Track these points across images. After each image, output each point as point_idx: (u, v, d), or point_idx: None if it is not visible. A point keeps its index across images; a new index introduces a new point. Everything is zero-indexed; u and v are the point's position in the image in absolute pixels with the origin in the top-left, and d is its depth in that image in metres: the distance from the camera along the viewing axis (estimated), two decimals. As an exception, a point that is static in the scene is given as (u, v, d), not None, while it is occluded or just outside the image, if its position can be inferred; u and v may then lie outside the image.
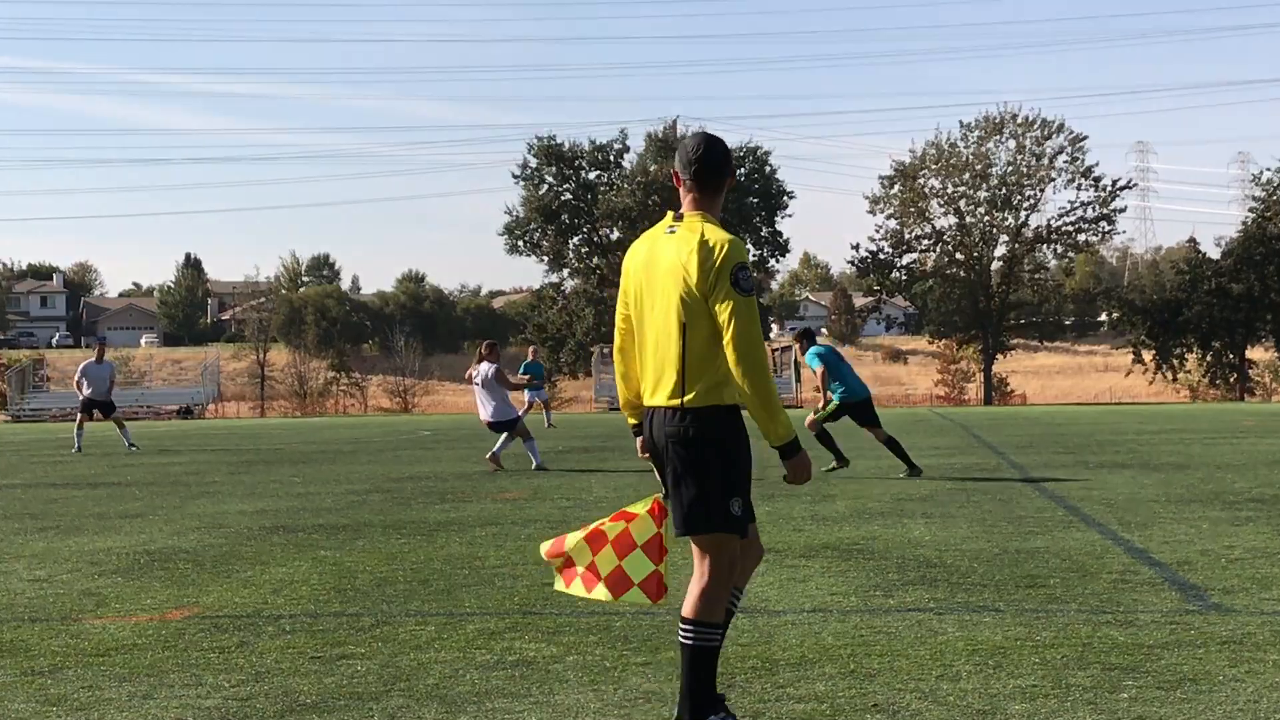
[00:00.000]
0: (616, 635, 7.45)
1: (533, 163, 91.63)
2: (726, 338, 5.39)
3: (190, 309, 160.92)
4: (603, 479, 18.64)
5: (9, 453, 30.33)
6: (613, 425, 43.28)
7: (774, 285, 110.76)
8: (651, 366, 5.61)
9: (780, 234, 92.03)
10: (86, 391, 29.13)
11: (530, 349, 47.61)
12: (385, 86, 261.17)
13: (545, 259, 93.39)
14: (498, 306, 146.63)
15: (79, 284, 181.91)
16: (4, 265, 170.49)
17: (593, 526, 5.69)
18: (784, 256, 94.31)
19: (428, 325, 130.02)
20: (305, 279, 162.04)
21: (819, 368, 19.20)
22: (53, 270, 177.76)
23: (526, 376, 37.72)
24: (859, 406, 19.11)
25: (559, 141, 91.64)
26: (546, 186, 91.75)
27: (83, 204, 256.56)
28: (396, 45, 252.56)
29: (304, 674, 6.64)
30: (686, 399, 5.45)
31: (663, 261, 5.58)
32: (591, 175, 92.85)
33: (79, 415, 29.67)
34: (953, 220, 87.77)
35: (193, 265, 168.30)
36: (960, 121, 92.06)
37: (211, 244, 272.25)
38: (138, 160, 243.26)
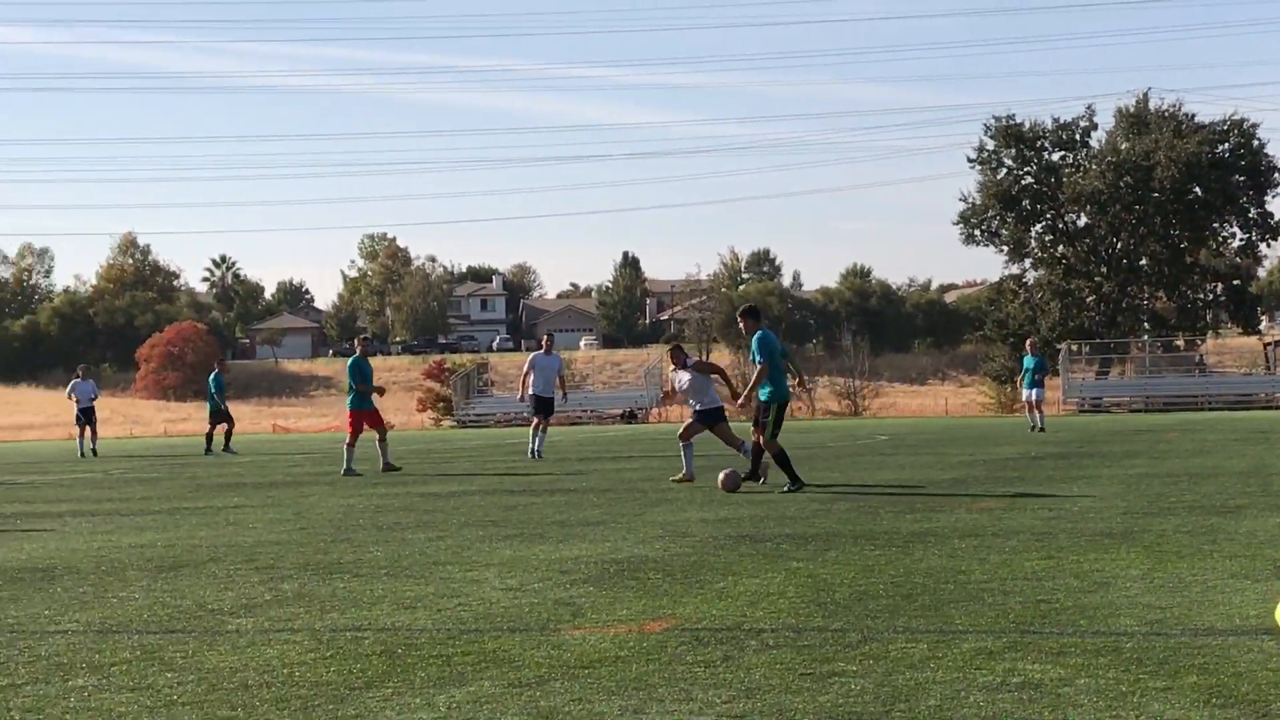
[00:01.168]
0: (1129, 657, 7.28)
1: (990, 145, 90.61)
2: None
3: (628, 309, 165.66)
4: (1084, 487, 18.26)
5: (461, 458, 31.90)
6: (1086, 429, 42.32)
7: (1261, 273, 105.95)
8: None
9: (1271, 215, 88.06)
10: (533, 386, 29.88)
11: (1028, 342, 46.59)
12: (823, 71, 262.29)
13: (1004, 249, 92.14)
14: (950, 301, 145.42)
15: (518, 286, 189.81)
16: (444, 268, 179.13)
17: None
18: (1275, 240, 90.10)
19: (875, 322, 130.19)
20: (745, 276, 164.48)
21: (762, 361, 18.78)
22: (492, 272, 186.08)
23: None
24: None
25: (1018, 121, 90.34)
26: (1005, 170, 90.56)
27: (520, 204, 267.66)
28: (834, 26, 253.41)
29: (796, 691, 6.74)
30: None
31: None
32: (1055, 156, 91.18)
33: (534, 419, 30.48)
34: None
35: (630, 264, 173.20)
36: None
37: (649, 241, 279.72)
38: (574, 157, 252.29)
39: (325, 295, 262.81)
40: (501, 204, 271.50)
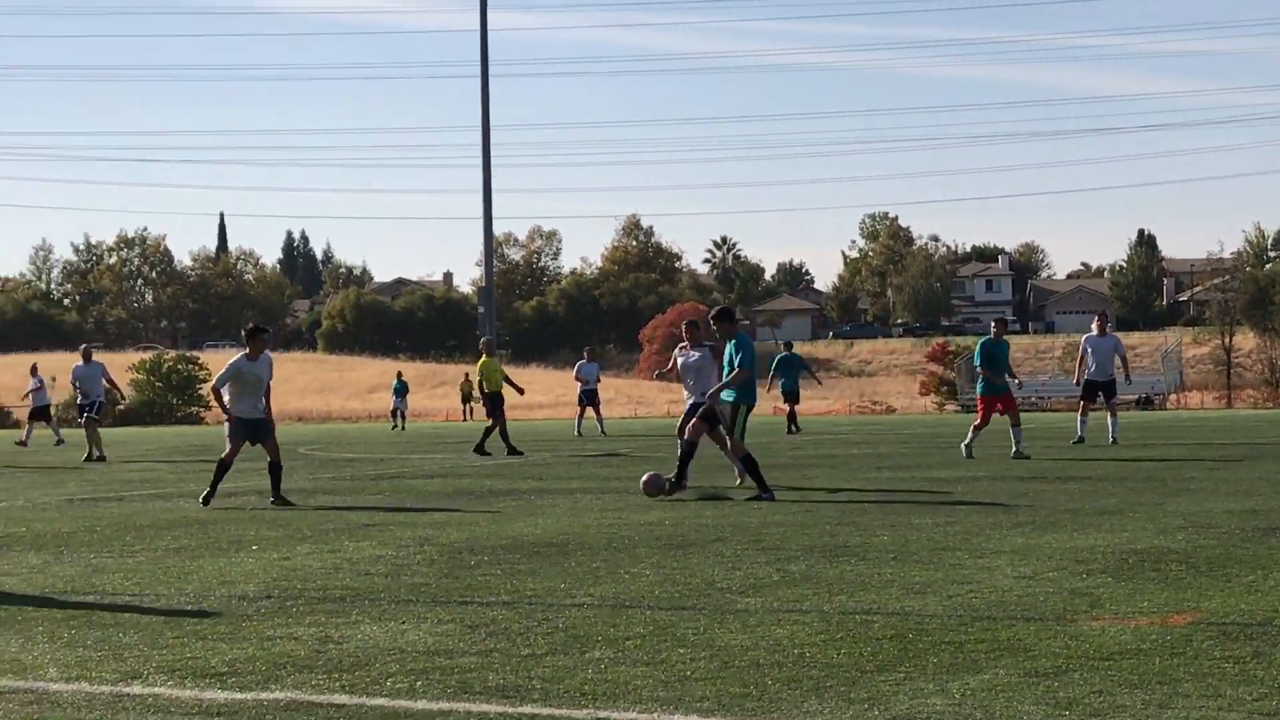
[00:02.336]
0: None
1: None
2: None
3: (1144, 290, 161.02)
4: None
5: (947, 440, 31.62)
6: None
7: None
8: None
9: None
10: (1090, 370, 29.63)
11: None
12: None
13: None
14: None
15: (1025, 266, 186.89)
16: (948, 248, 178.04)
17: None
18: None
19: None
20: (1271, 254, 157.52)
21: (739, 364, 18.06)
22: (998, 252, 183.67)
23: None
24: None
25: None
26: None
27: (1027, 180, 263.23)
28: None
29: (1336, 693, 6.48)
30: None
31: None
32: None
33: (1081, 403, 30.55)
34: None
35: (1146, 242, 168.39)
36: None
37: (1167, 218, 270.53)
38: (1084, 131, 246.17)
39: (825, 276, 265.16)
40: (1007, 181, 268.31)
